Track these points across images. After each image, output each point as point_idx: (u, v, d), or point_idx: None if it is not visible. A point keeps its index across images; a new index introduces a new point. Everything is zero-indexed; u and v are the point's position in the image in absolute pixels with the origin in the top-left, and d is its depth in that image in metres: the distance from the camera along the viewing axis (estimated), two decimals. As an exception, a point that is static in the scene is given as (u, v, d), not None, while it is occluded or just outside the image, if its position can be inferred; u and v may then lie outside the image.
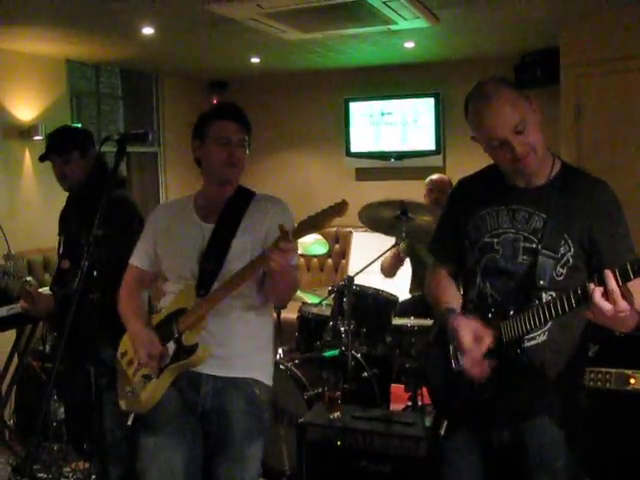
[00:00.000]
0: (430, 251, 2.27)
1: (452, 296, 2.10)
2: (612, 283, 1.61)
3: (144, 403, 2.36)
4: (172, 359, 2.29)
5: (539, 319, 1.79)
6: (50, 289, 3.28)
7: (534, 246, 1.91)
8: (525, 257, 1.92)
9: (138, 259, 2.48)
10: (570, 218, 1.89)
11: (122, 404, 2.45)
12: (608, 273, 1.61)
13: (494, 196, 2.01)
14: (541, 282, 1.85)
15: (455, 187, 2.23)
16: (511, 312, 1.88)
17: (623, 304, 1.61)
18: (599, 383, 2.74)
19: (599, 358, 2.72)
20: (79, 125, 5.90)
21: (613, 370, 2.74)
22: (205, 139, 2.37)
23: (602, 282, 1.62)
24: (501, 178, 2.02)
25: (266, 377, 2.41)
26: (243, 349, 2.34)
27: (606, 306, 1.62)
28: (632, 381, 2.75)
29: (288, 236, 2.01)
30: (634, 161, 4.44)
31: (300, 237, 2.08)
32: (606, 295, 1.61)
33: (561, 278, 1.88)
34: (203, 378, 2.30)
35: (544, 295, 1.86)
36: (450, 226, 2.14)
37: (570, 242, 1.88)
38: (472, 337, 1.89)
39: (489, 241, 1.99)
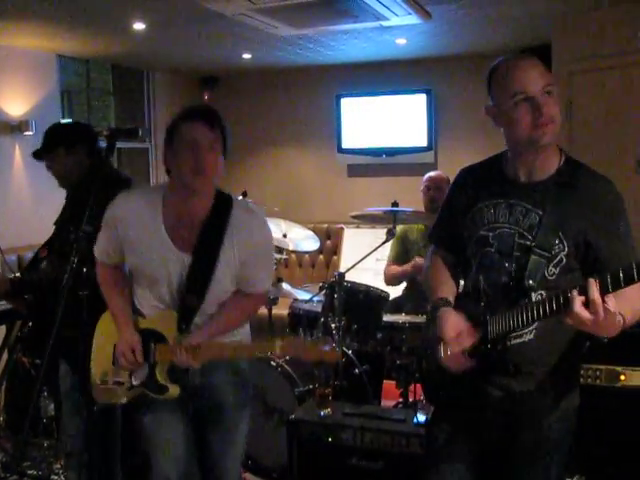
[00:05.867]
0: (430, 238, 2.26)
1: (447, 287, 2.08)
2: (594, 294, 1.56)
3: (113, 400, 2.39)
4: (142, 383, 2.29)
5: (524, 319, 1.75)
6: (20, 273, 3.31)
7: (528, 243, 1.86)
8: (518, 254, 1.87)
9: (103, 255, 2.35)
10: (567, 216, 1.83)
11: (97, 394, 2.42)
12: (591, 283, 1.56)
13: (494, 189, 1.96)
14: (530, 282, 1.81)
15: (457, 176, 2.16)
16: (500, 308, 1.84)
17: (603, 315, 1.56)
18: (589, 380, 2.75)
19: (590, 354, 2.72)
20: (70, 120, 5.86)
21: (603, 367, 2.74)
22: (174, 144, 2.16)
23: (584, 291, 1.57)
24: (503, 171, 1.98)
25: None
26: None
27: (586, 315, 1.58)
28: (622, 378, 2.75)
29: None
30: (626, 157, 4.44)
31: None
32: (587, 305, 1.57)
33: (553, 277, 1.84)
34: None
35: (533, 294, 1.82)
36: (450, 215, 2.11)
37: (565, 241, 1.82)
38: (455, 332, 1.88)
39: (484, 234, 1.95)
